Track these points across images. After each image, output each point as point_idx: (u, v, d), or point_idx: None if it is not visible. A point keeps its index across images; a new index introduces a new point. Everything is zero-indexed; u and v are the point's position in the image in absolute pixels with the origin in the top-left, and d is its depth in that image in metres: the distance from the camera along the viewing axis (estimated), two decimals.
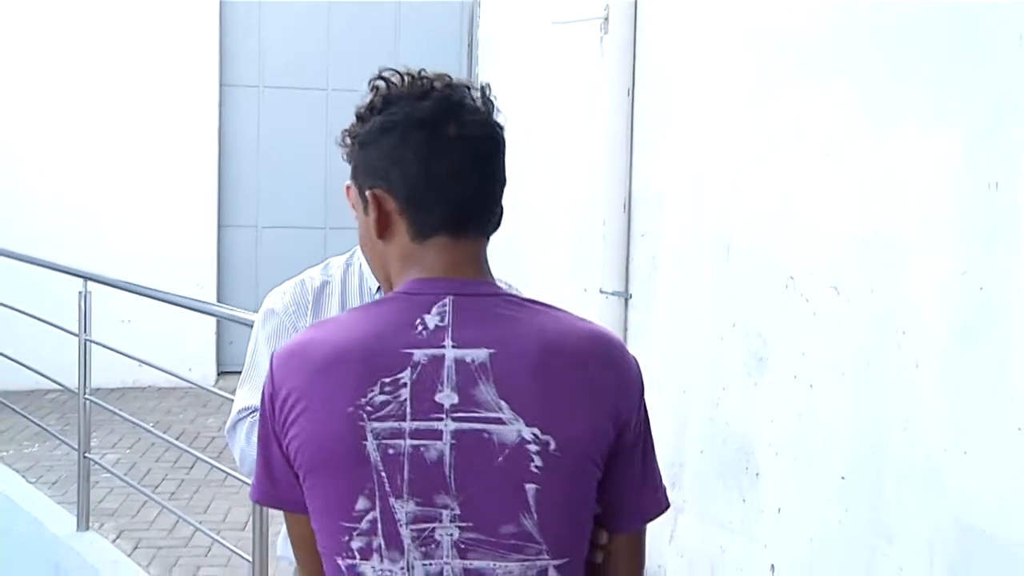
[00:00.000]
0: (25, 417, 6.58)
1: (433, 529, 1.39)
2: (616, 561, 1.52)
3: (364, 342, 1.42)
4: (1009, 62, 2.90)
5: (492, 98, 1.51)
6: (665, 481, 1.56)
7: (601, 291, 4.83)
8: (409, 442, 1.38)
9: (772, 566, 3.85)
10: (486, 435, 1.39)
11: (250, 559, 4.04)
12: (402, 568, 1.39)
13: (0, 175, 8.40)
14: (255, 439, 2.17)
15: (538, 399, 1.40)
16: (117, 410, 5.61)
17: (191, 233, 8.87)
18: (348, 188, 2.33)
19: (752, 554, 3.96)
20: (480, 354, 1.41)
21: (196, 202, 8.92)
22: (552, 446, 1.39)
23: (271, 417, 1.46)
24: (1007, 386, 2.88)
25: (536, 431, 1.39)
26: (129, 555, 5.29)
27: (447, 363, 1.40)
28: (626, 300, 4.81)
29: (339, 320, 1.50)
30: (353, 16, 9.17)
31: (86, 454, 5.34)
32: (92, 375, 5.40)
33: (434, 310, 1.43)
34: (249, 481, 4.10)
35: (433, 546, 1.39)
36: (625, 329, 4.74)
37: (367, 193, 1.50)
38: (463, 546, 1.39)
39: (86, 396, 5.33)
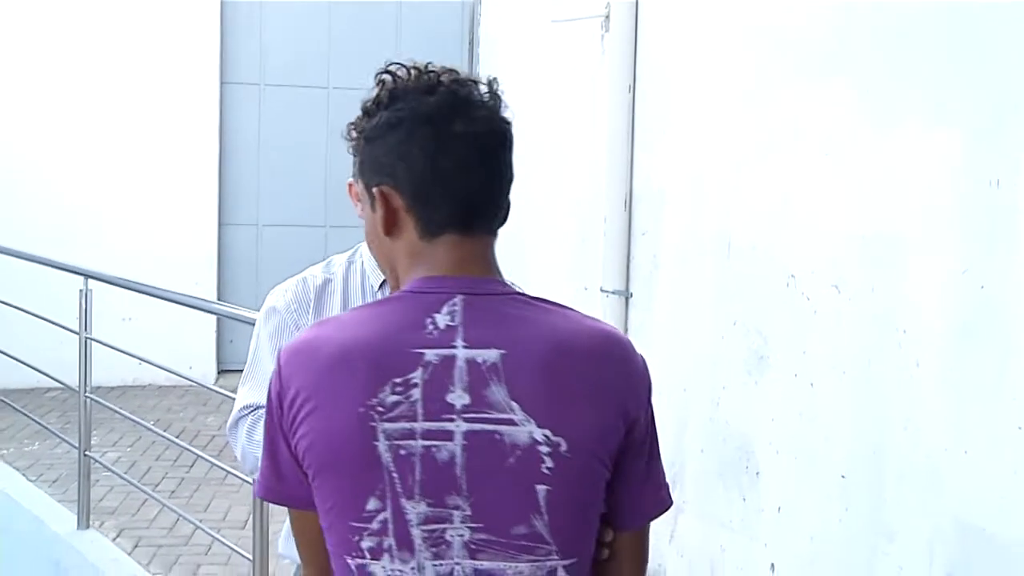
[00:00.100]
0: (25, 415, 6.58)
1: (444, 530, 1.39)
2: (620, 558, 1.52)
3: (373, 341, 1.41)
4: (1009, 62, 2.89)
5: (499, 93, 1.50)
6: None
7: (602, 290, 4.83)
8: (421, 443, 1.38)
9: (772, 565, 3.85)
10: (497, 436, 1.39)
11: (250, 557, 4.04)
12: (412, 568, 1.39)
13: (1, 173, 8.40)
14: (256, 437, 2.18)
15: (549, 400, 1.40)
16: (117, 408, 5.61)
17: (192, 231, 8.86)
18: (350, 185, 2.33)
19: (752, 553, 3.96)
20: (491, 355, 1.40)
21: (197, 200, 8.91)
22: (563, 447, 1.39)
23: (278, 415, 1.45)
24: (1007, 385, 2.88)
25: (548, 432, 1.39)
26: (129, 553, 5.29)
27: (458, 363, 1.40)
28: (627, 299, 4.81)
29: (347, 318, 1.49)
30: (354, 15, 9.16)
31: (86, 452, 5.34)
32: (92, 373, 5.40)
33: (444, 309, 1.42)
34: (250, 479, 4.10)
35: (444, 547, 1.39)
36: (626, 328, 4.74)
37: (374, 190, 1.49)
38: (474, 547, 1.39)
39: (86, 394, 5.33)
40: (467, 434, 1.38)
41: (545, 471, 1.39)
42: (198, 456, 5.04)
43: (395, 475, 1.38)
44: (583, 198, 5.19)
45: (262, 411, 2.19)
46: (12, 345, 6.70)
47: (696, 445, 4.32)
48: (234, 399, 2.35)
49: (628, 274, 4.83)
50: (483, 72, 1.53)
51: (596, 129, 4.99)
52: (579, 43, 5.23)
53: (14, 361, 6.51)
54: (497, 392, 1.39)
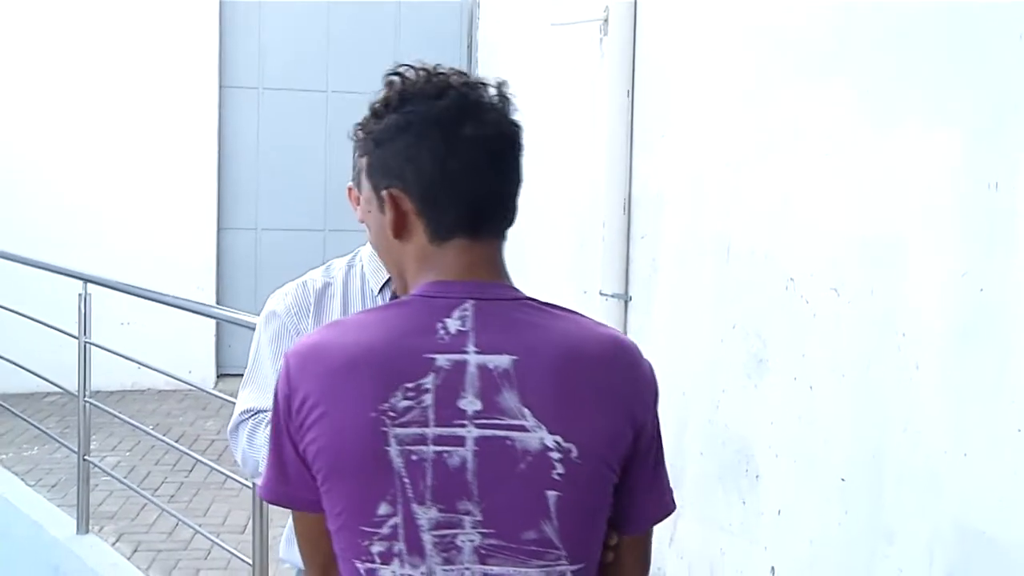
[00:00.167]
0: (25, 420, 6.57)
1: (455, 535, 1.39)
2: (624, 561, 1.53)
3: (384, 345, 1.41)
4: (1009, 62, 2.90)
5: (509, 96, 1.49)
6: None
7: (601, 293, 4.83)
8: (432, 448, 1.38)
9: (772, 568, 3.85)
10: (509, 442, 1.39)
11: (250, 562, 4.04)
12: (423, 573, 1.39)
13: (0, 177, 8.40)
14: (257, 441, 2.18)
15: (560, 406, 1.40)
16: (117, 413, 5.61)
17: (191, 235, 8.86)
18: (350, 189, 2.34)
19: (752, 556, 3.96)
20: (503, 360, 1.40)
21: (196, 204, 8.91)
22: (574, 453, 1.40)
23: (286, 418, 1.45)
24: (1007, 387, 2.87)
25: (559, 439, 1.40)
26: (129, 558, 5.28)
27: (470, 369, 1.40)
28: (626, 302, 4.81)
29: (356, 321, 1.48)
30: (352, 19, 9.17)
31: (86, 457, 5.33)
32: (92, 377, 5.39)
33: (455, 314, 1.42)
34: (250, 484, 4.09)
35: (454, 552, 1.39)
36: (625, 331, 4.74)
37: (383, 192, 1.48)
38: (484, 552, 1.39)
39: (86, 399, 5.32)
40: (478, 440, 1.39)
41: (556, 477, 1.39)
42: (197, 460, 5.04)
43: (406, 480, 1.38)
44: (582, 201, 5.19)
45: (263, 415, 2.20)
46: (11, 350, 6.69)
47: (696, 448, 4.32)
48: (234, 403, 2.36)
49: (627, 277, 4.83)
50: (482, 75, 1.52)
51: (595, 133, 4.99)
52: (578, 47, 5.24)
53: (13, 366, 6.50)
54: (509, 398, 1.39)
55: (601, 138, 4.88)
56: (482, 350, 1.40)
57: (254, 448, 2.19)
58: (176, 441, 6.21)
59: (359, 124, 1.54)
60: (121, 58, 8.64)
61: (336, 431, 1.39)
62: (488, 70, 6.31)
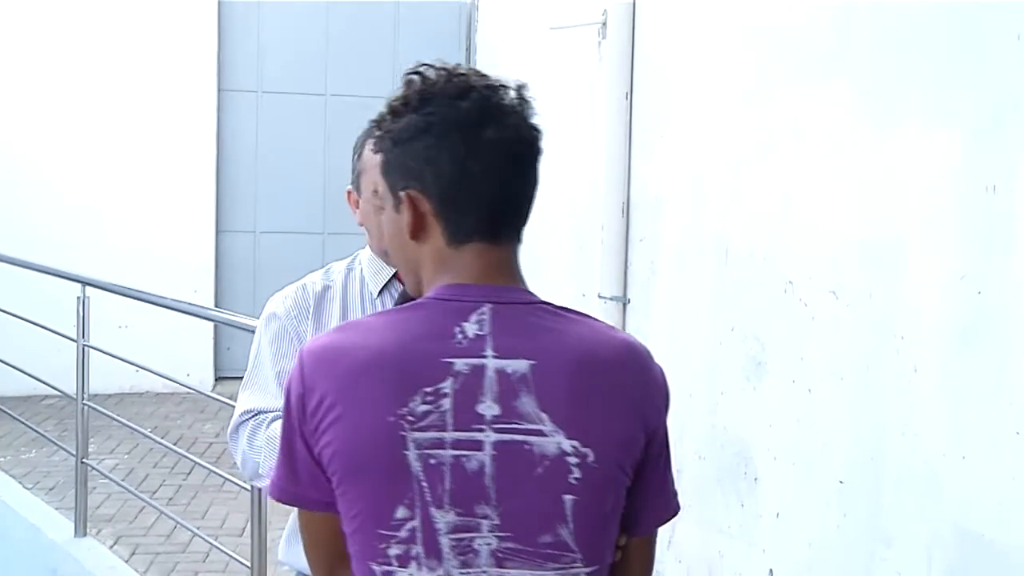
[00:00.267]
0: (22, 423, 6.57)
1: (472, 539, 1.39)
2: (631, 562, 1.55)
3: (402, 348, 1.41)
4: (1009, 62, 2.90)
5: (529, 99, 1.49)
6: None
7: (599, 296, 4.83)
8: (450, 452, 1.38)
9: (770, 570, 3.85)
10: (527, 447, 1.40)
11: (249, 565, 4.03)
12: None
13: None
14: (258, 442, 2.18)
15: (577, 411, 1.41)
16: (115, 415, 5.60)
17: (189, 238, 8.86)
18: (349, 193, 2.34)
19: (751, 559, 3.96)
20: (521, 365, 1.41)
21: (194, 207, 8.91)
22: (590, 458, 1.41)
23: (299, 418, 1.44)
24: (1005, 390, 2.88)
25: (576, 444, 1.40)
26: (127, 561, 5.28)
27: (488, 373, 1.40)
28: (624, 305, 4.81)
29: (372, 323, 1.47)
30: (351, 23, 9.17)
31: (84, 460, 5.33)
32: (90, 380, 5.39)
33: (472, 318, 1.42)
34: (248, 486, 4.08)
35: (471, 555, 1.40)
36: None
37: (401, 193, 1.47)
38: (501, 555, 1.40)
39: (84, 402, 5.32)
40: (496, 444, 1.39)
41: (572, 481, 1.40)
42: (195, 463, 5.03)
43: (424, 484, 1.38)
44: (581, 204, 5.19)
45: (263, 416, 2.20)
46: (9, 352, 6.68)
47: (694, 451, 4.31)
48: (232, 406, 2.35)
49: (626, 280, 4.83)
50: (501, 77, 1.52)
51: (593, 135, 4.99)
52: (576, 50, 5.24)
53: (11, 369, 6.49)
54: (527, 403, 1.40)
55: (600, 141, 4.89)
56: (500, 354, 1.41)
57: (254, 449, 2.19)
58: (174, 444, 6.21)
59: (374, 121, 1.53)
60: (120, 61, 8.65)
61: (353, 434, 1.39)
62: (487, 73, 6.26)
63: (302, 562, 2.26)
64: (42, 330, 5.89)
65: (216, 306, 8.43)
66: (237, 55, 9.03)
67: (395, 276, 2.30)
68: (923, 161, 3.18)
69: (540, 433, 1.40)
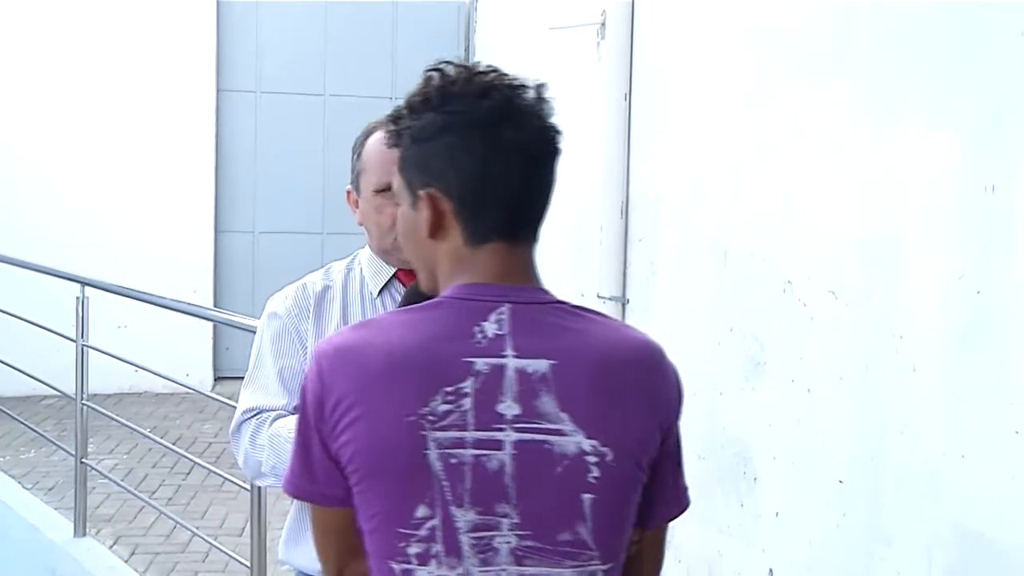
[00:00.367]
0: (22, 423, 6.57)
1: (492, 537, 1.40)
2: (643, 556, 1.57)
3: (421, 348, 1.41)
4: (1009, 62, 2.90)
5: (549, 99, 1.50)
6: None
7: (598, 296, 4.83)
8: (471, 452, 1.39)
9: (770, 570, 3.85)
10: (547, 446, 1.40)
11: (248, 564, 4.03)
12: (459, 574, 1.40)
13: None
14: (260, 440, 2.18)
15: (597, 410, 1.42)
16: (114, 415, 5.60)
17: (188, 238, 8.87)
18: (348, 193, 2.35)
19: (750, 559, 3.96)
20: (541, 365, 1.42)
21: (193, 207, 8.92)
22: (609, 457, 1.42)
23: (316, 417, 1.44)
24: (1005, 390, 2.88)
25: (596, 443, 1.42)
26: (126, 561, 5.28)
27: (508, 373, 1.41)
28: (623, 305, 4.81)
29: (391, 321, 1.47)
30: (350, 23, 9.18)
31: (83, 460, 5.33)
32: (89, 380, 5.39)
33: (492, 318, 1.43)
34: (247, 486, 4.08)
35: (491, 553, 1.40)
36: None
37: (420, 192, 1.47)
38: (520, 553, 1.41)
39: (83, 402, 5.32)
40: (517, 444, 1.40)
41: (591, 480, 1.41)
42: (195, 463, 5.03)
43: (445, 483, 1.39)
44: (580, 204, 5.19)
45: (266, 414, 2.20)
46: (8, 353, 6.69)
47: (694, 451, 4.30)
48: (231, 406, 2.36)
49: (625, 280, 4.83)
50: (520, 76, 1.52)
51: (592, 136, 4.99)
52: (575, 50, 5.24)
53: (10, 369, 6.50)
54: (547, 403, 1.41)
55: (599, 141, 4.88)
56: (520, 354, 1.42)
57: (257, 448, 2.19)
58: (174, 444, 6.21)
59: (391, 116, 1.52)
60: (119, 61, 8.65)
61: (374, 434, 1.40)
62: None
63: (302, 561, 2.27)
64: (41, 330, 5.90)
65: (215, 306, 8.45)
66: (236, 55, 9.04)
67: (395, 276, 2.31)
68: (923, 161, 3.18)
69: (560, 433, 1.41)
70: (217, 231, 9.08)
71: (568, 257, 5.36)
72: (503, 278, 1.46)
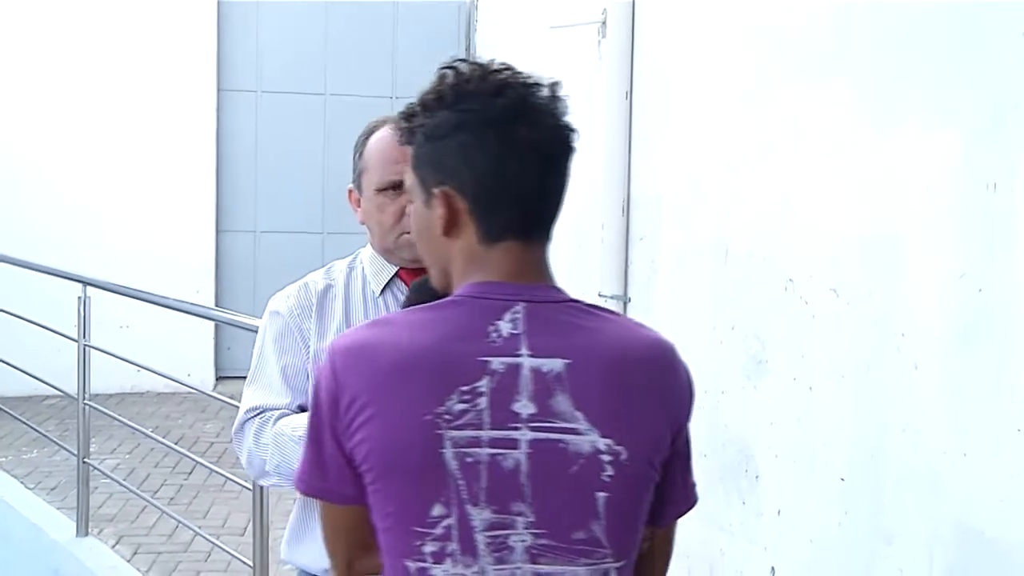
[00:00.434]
0: (24, 423, 6.58)
1: (507, 536, 1.41)
2: (653, 553, 1.58)
3: (436, 347, 1.41)
4: (1009, 62, 2.90)
5: (562, 96, 1.50)
6: None
7: (600, 295, 4.83)
8: (487, 451, 1.40)
9: (772, 568, 3.86)
10: (562, 445, 1.41)
11: (251, 564, 4.04)
12: (475, 572, 1.41)
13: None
14: (264, 440, 2.18)
15: (611, 409, 1.43)
16: (116, 415, 5.61)
17: (189, 238, 8.87)
18: (350, 191, 2.35)
19: (752, 556, 3.96)
20: (556, 364, 1.42)
21: (194, 207, 8.92)
22: (623, 456, 1.43)
23: (330, 416, 1.44)
24: (1007, 388, 2.88)
25: (610, 442, 1.42)
26: (128, 560, 5.29)
27: (524, 372, 1.41)
28: (625, 303, 4.82)
29: (404, 320, 1.47)
30: (350, 23, 9.18)
31: (85, 459, 5.34)
32: (91, 380, 5.39)
33: (506, 316, 1.43)
34: (249, 486, 4.09)
35: (506, 552, 1.41)
36: None
37: (435, 190, 1.47)
38: (535, 552, 1.41)
39: (85, 401, 5.33)
40: (532, 443, 1.41)
41: (605, 479, 1.42)
42: (197, 463, 5.04)
43: (461, 482, 1.39)
44: (581, 203, 5.19)
45: (269, 413, 2.20)
46: (10, 353, 6.70)
47: (695, 449, 4.29)
48: (233, 405, 2.36)
49: (626, 279, 4.83)
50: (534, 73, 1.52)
51: (593, 135, 4.99)
52: (576, 49, 5.24)
53: (12, 369, 6.50)
54: (562, 402, 1.41)
55: (600, 140, 4.89)
56: (535, 353, 1.42)
57: (260, 447, 2.19)
58: (175, 443, 6.22)
59: (404, 114, 1.52)
60: (120, 61, 8.65)
61: (389, 433, 1.40)
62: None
63: (304, 561, 2.28)
64: (43, 330, 5.91)
65: (216, 306, 8.45)
66: (236, 55, 9.04)
67: (397, 275, 2.31)
68: (923, 160, 3.18)
69: (575, 432, 1.41)
70: (218, 231, 9.08)
71: (569, 256, 5.36)
72: (517, 277, 1.47)
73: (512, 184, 1.45)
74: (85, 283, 5.39)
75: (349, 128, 2.70)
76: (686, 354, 1.59)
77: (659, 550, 1.60)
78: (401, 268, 2.30)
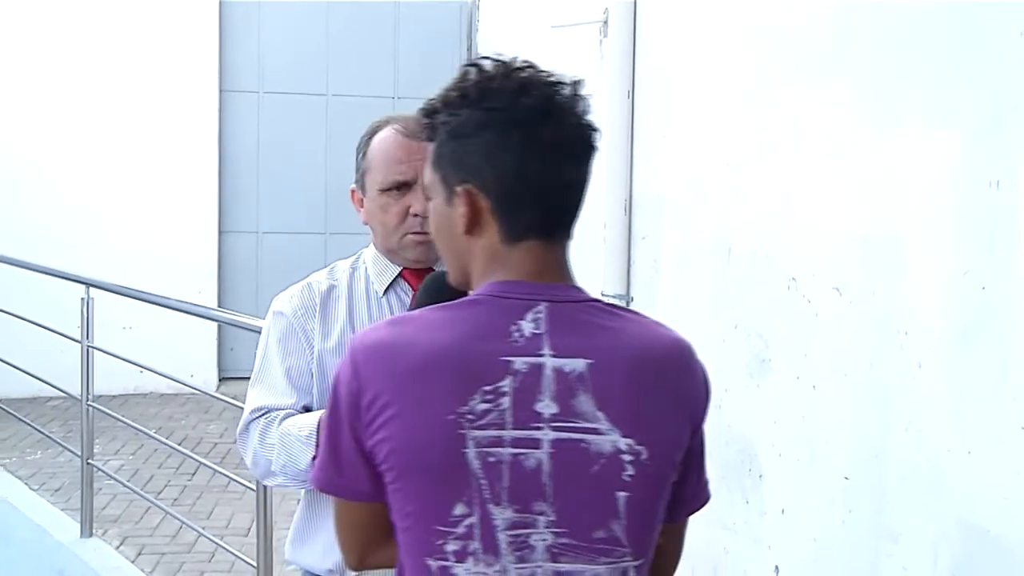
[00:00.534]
0: (28, 424, 6.58)
1: (529, 534, 1.41)
2: (666, 547, 1.58)
3: (459, 346, 1.41)
4: (1009, 62, 2.90)
5: (584, 96, 1.50)
6: None
7: (603, 294, 4.83)
8: (509, 450, 1.40)
9: (776, 567, 3.86)
10: (583, 445, 1.42)
11: (254, 564, 4.04)
12: (496, 571, 1.41)
13: (1, 181, 8.41)
14: (269, 440, 2.18)
15: (632, 409, 1.44)
16: (120, 416, 5.62)
17: (192, 239, 8.88)
18: (353, 191, 2.35)
19: (755, 555, 3.96)
20: (578, 364, 1.42)
21: (197, 208, 8.93)
22: (644, 456, 1.43)
23: (351, 414, 1.44)
24: (1009, 386, 2.88)
25: (631, 442, 1.43)
26: (132, 561, 5.29)
27: (546, 372, 1.42)
28: (627, 303, 4.82)
29: (426, 318, 1.47)
30: (351, 23, 9.18)
31: (89, 461, 5.34)
32: (94, 382, 5.40)
33: (528, 316, 1.44)
34: (253, 486, 4.08)
35: (528, 551, 1.41)
36: None
37: (458, 188, 1.47)
38: (556, 550, 1.42)
39: (89, 403, 5.33)
40: (554, 442, 1.41)
41: (626, 478, 1.43)
42: (200, 463, 5.04)
43: (483, 482, 1.40)
44: (583, 202, 5.20)
45: (274, 414, 2.20)
46: (14, 354, 6.71)
47: None
48: (236, 406, 2.36)
49: (629, 278, 4.83)
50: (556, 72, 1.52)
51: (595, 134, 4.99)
52: (578, 48, 5.24)
53: (16, 370, 6.51)
54: (584, 402, 1.42)
55: (602, 140, 4.88)
56: (558, 353, 1.42)
57: (266, 447, 2.18)
58: (179, 444, 6.22)
59: (424, 110, 1.52)
60: (121, 62, 8.66)
61: (411, 432, 1.40)
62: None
63: (308, 561, 2.28)
64: (46, 331, 5.91)
65: (219, 306, 8.46)
66: (238, 56, 9.04)
67: (400, 275, 2.31)
68: (924, 159, 3.18)
69: (597, 432, 1.42)
70: (220, 231, 9.09)
71: (571, 255, 5.36)
72: (539, 276, 1.47)
73: (535, 183, 1.45)
74: (88, 284, 5.40)
75: (351, 128, 2.71)
76: None
77: (671, 546, 1.61)
78: (404, 268, 2.30)
